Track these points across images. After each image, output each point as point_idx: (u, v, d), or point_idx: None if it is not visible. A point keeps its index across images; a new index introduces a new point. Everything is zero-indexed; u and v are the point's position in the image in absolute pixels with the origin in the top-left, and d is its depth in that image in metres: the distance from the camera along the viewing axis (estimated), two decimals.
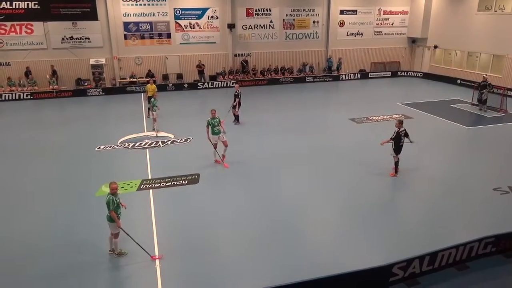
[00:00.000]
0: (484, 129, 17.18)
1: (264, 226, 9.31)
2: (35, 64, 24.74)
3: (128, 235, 8.03)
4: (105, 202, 7.85)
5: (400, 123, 11.65)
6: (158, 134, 16.39)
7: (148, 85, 19.98)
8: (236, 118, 17.89)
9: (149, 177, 12.13)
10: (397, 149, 11.62)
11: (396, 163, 11.88)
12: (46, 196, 11.09)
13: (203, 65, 27.06)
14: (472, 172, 12.36)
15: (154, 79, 26.28)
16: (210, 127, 12.75)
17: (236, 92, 17.51)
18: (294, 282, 6.69)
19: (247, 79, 27.78)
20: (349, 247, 8.49)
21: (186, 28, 27.10)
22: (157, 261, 7.99)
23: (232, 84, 26.93)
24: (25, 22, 24.05)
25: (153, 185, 11.60)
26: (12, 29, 23.99)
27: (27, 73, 24.38)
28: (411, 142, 11.68)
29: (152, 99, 17.03)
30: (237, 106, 17.61)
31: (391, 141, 11.58)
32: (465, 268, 7.76)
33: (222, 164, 12.93)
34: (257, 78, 28.01)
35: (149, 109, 17.74)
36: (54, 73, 24.84)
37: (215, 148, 12.99)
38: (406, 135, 11.61)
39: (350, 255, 8.16)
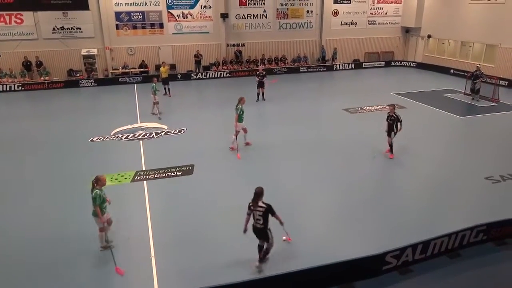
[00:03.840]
0: (477, 118, 17.29)
1: None
2: (27, 55, 24.40)
3: (106, 241, 8.01)
4: (92, 197, 7.66)
5: (393, 107, 12.75)
6: (157, 122, 16.77)
7: (161, 67, 21.58)
8: (263, 95, 19.89)
9: (143, 169, 12.09)
10: (390, 131, 12.55)
11: (390, 145, 12.75)
12: (38, 189, 11.02)
13: (201, 55, 26.86)
14: (465, 161, 12.47)
15: (147, 69, 26.15)
16: (239, 114, 12.93)
17: (262, 73, 19.58)
18: (288, 271, 6.76)
19: (241, 69, 27.64)
20: (343, 236, 8.57)
21: (178, 18, 26.80)
22: (152, 252, 8.01)
23: (226, 74, 26.88)
24: (15, 12, 23.63)
25: (147, 176, 11.56)
26: (2, 19, 23.60)
27: (25, 63, 24.22)
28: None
29: (153, 84, 17.37)
30: (264, 85, 19.70)
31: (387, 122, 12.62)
32: (457, 256, 7.87)
33: (236, 153, 13.06)
34: (251, 69, 27.83)
35: (168, 89, 21.22)
36: (40, 64, 24.52)
37: (237, 135, 13.23)
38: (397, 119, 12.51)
39: (344, 244, 8.23)
